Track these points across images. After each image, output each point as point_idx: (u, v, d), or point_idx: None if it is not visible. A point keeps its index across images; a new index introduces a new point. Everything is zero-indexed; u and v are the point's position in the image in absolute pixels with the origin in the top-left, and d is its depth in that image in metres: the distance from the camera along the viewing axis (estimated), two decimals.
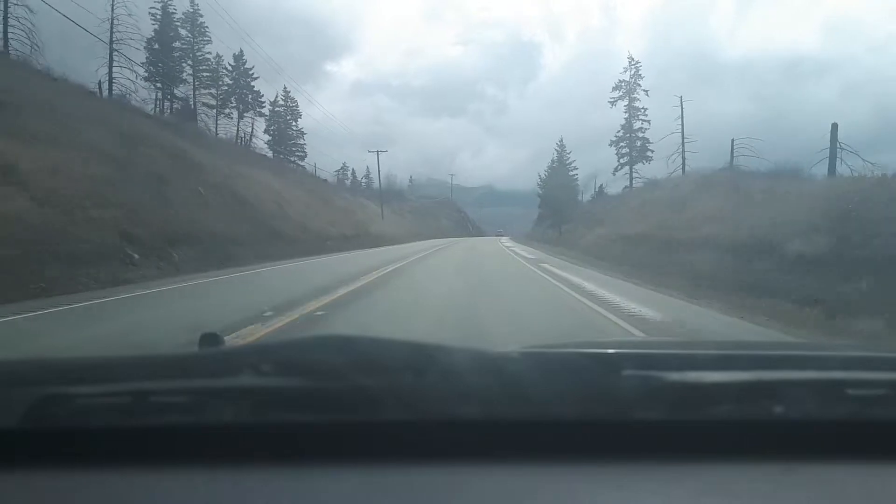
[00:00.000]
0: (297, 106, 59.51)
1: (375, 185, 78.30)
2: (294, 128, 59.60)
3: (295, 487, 0.92)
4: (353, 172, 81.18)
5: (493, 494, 0.90)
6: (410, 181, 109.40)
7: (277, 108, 57.47)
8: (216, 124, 48.64)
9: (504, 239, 64.37)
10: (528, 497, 0.88)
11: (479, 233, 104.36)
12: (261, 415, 0.98)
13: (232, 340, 5.47)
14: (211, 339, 1.50)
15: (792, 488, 0.92)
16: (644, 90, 53.08)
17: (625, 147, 53.33)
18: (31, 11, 28.56)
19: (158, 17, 42.57)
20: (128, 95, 35.59)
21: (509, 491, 0.90)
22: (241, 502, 0.90)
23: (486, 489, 0.90)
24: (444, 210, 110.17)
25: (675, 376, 0.99)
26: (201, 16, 45.39)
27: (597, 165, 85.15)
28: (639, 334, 7.38)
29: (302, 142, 60.31)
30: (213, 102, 48.22)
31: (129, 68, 36.21)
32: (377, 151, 65.24)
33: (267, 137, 56.27)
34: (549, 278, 15.58)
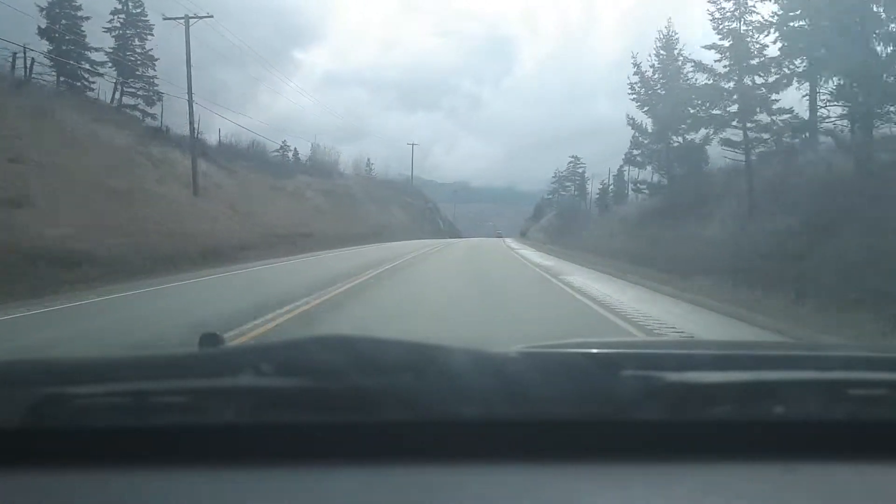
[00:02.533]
0: (143, 16, 35.07)
1: (342, 170, 58.99)
2: (137, 49, 35.35)
3: (295, 487, 0.92)
4: (296, 152, 56.94)
5: (493, 494, 0.90)
6: (368, 164, 76.19)
7: None
8: None
9: (526, 250, 33.08)
10: (528, 497, 0.88)
11: (455, 234, 77.45)
12: (261, 415, 0.98)
13: None
14: (211, 339, 1.50)
15: (792, 488, 0.92)
16: None
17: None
18: None
19: None
20: None
21: (509, 491, 0.90)
22: (241, 502, 0.90)
23: (486, 489, 0.90)
24: (398, 197, 72.81)
25: (674, 376, 0.99)
26: None
27: (585, 165, 69.20)
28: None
29: (151, 73, 35.81)
30: None
31: None
32: (184, 18, 27.21)
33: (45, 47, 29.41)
34: None
